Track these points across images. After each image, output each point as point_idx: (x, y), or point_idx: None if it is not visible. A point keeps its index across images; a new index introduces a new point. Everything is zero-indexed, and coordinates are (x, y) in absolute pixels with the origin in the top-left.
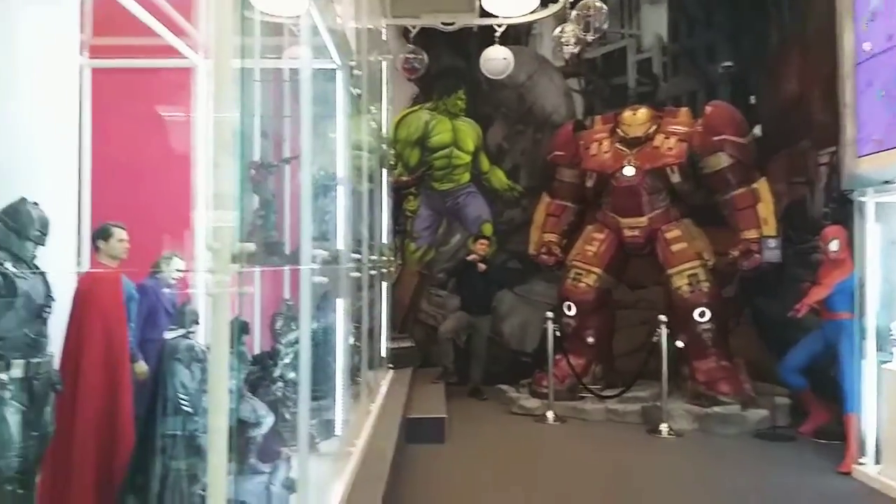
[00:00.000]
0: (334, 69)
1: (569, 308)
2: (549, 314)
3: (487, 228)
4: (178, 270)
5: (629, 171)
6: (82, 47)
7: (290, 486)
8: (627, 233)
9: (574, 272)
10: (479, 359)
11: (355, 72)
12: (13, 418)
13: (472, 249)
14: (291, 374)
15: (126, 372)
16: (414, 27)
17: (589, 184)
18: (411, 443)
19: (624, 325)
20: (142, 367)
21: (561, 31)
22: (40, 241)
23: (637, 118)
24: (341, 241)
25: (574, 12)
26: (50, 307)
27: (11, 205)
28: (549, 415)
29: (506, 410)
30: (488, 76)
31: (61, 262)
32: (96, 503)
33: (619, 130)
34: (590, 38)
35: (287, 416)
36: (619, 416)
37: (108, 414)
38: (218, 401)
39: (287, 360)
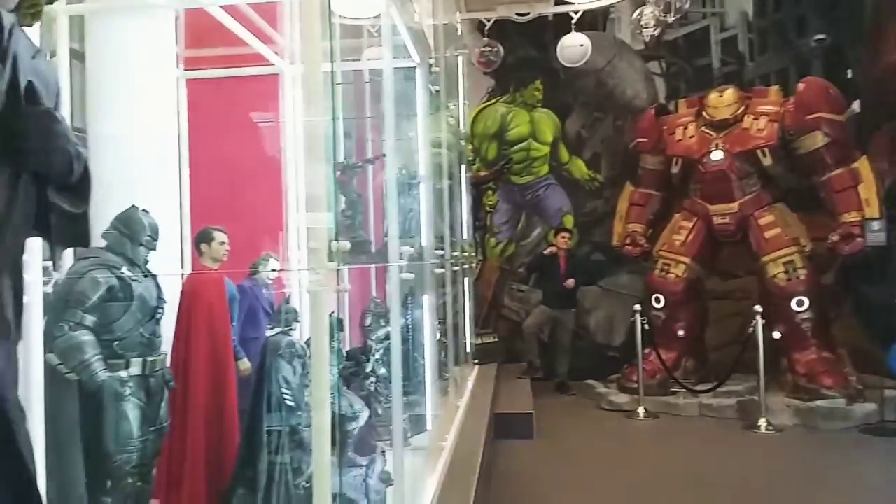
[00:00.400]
0: (413, 67)
1: (657, 300)
2: (637, 307)
3: (568, 220)
4: (273, 271)
5: (717, 155)
6: (178, 59)
7: (386, 480)
8: (717, 220)
9: (661, 263)
10: (564, 353)
11: (434, 69)
12: (133, 413)
13: (553, 243)
14: (382, 370)
15: (231, 369)
16: (488, 20)
17: (674, 170)
18: (499, 438)
19: (716, 316)
20: (245, 364)
21: (640, 14)
22: (151, 246)
23: (723, 100)
24: (425, 238)
25: None
26: (162, 308)
27: (124, 213)
28: (640, 410)
29: (594, 406)
30: (565, 64)
31: (166, 266)
32: (208, 494)
33: (704, 114)
34: (670, 19)
35: (380, 410)
36: (713, 412)
37: (215, 409)
38: (320, 395)
39: (378, 356)
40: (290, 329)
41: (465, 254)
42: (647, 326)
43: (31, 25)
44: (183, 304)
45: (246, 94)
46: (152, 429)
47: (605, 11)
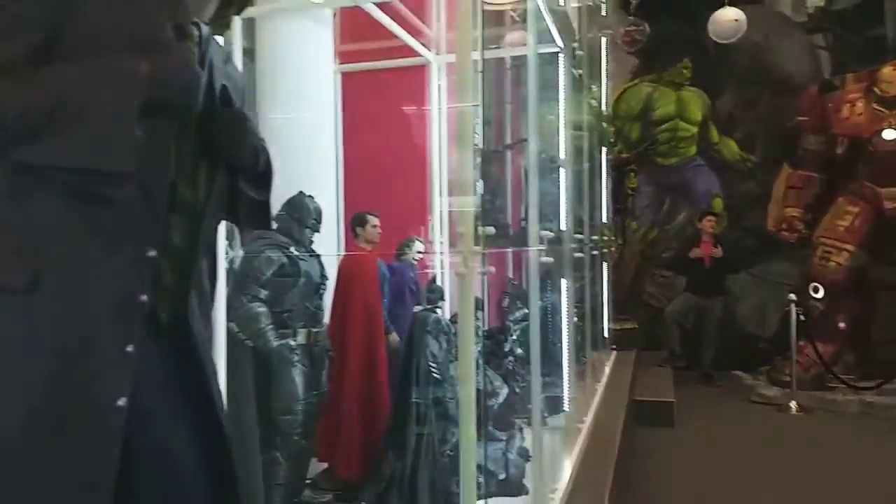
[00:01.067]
0: (556, 52)
1: (815, 290)
2: (792, 296)
3: (718, 204)
4: (419, 252)
5: (890, 134)
6: (334, 54)
7: (524, 455)
8: (888, 204)
9: (822, 250)
10: (709, 342)
11: (577, 52)
12: (299, 378)
13: (700, 227)
14: (520, 350)
15: (381, 343)
16: None
17: (839, 151)
18: (638, 425)
19: (885, 309)
20: (395, 338)
21: None
22: (316, 228)
23: None
24: (564, 222)
25: None
26: (325, 285)
27: (292, 198)
28: (792, 405)
29: (741, 398)
30: (717, 40)
31: (325, 246)
32: (361, 453)
33: (875, 89)
34: None
35: (517, 389)
36: (877, 411)
37: (368, 378)
38: (466, 371)
39: (515, 337)
40: (437, 307)
41: (605, 238)
42: (802, 317)
43: (222, 34)
44: (340, 282)
45: (396, 84)
46: (314, 393)
47: None
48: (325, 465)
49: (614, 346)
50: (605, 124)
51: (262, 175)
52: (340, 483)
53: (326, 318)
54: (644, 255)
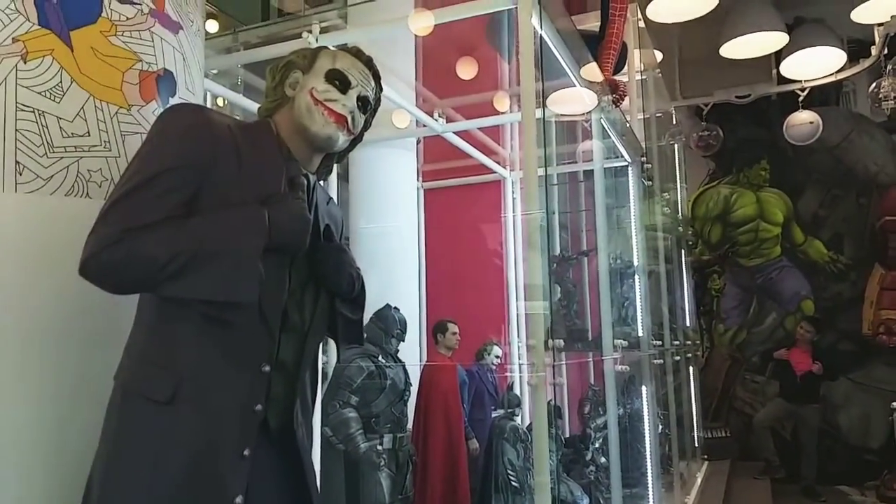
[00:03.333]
0: (625, 165)
1: None
2: (895, 404)
3: (808, 306)
4: (497, 357)
5: None
6: (418, 174)
7: None
8: None
9: None
10: (809, 454)
11: (646, 165)
12: (385, 482)
13: (796, 336)
14: (602, 459)
15: (462, 448)
16: (706, 105)
17: None
18: None
19: None
20: (474, 443)
21: (877, 87)
22: (401, 338)
23: None
24: (641, 328)
25: (890, 66)
26: (409, 391)
27: (380, 310)
28: None
29: None
30: (794, 143)
31: (409, 354)
32: None
33: None
34: None
35: (601, 500)
36: None
37: (450, 483)
38: (542, 479)
39: (597, 445)
40: (514, 414)
41: (688, 342)
42: None
43: (326, 180)
44: (422, 389)
45: (474, 199)
46: (400, 497)
47: (837, 85)
48: None
49: (706, 456)
50: (681, 227)
51: (357, 298)
52: None
53: (410, 425)
54: (733, 359)
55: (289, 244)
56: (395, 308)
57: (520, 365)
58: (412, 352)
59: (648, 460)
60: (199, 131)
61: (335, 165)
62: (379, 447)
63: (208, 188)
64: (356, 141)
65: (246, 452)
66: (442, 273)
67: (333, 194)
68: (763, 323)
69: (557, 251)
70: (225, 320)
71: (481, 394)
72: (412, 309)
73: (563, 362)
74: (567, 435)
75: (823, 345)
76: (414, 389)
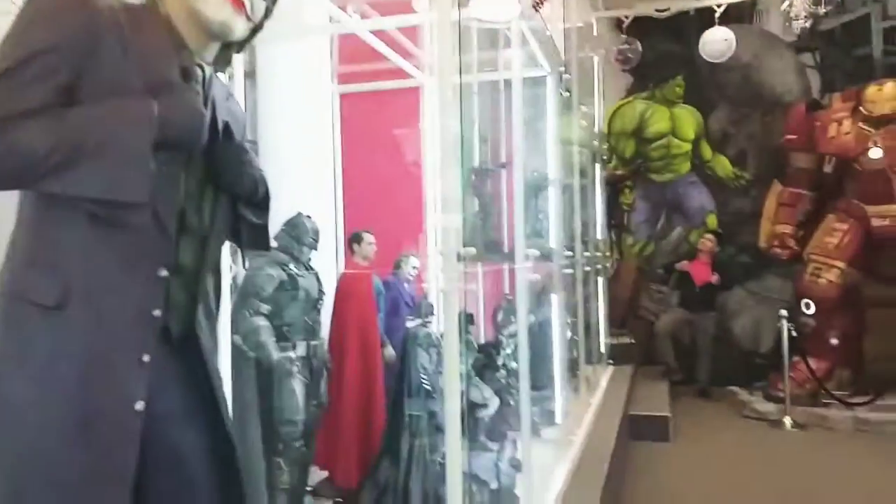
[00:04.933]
0: (544, 76)
1: (807, 306)
2: (783, 312)
3: (712, 220)
4: (414, 268)
5: (876, 153)
6: (333, 75)
7: (516, 465)
8: (876, 222)
9: (813, 267)
10: (704, 358)
11: (564, 76)
12: (299, 389)
13: (699, 246)
14: (513, 364)
15: (377, 356)
16: (626, 17)
17: (827, 169)
18: (634, 440)
19: (877, 325)
20: (390, 351)
21: (789, 6)
22: (314, 246)
23: (884, 94)
24: (554, 240)
25: None
26: (322, 300)
27: (292, 218)
28: (787, 420)
29: (736, 413)
30: (708, 60)
31: (324, 263)
32: (359, 462)
33: (861, 108)
34: (822, 10)
35: (511, 402)
36: (872, 427)
37: (365, 389)
38: (452, 384)
39: (509, 351)
40: (427, 321)
41: (598, 253)
42: (794, 333)
43: (224, 72)
44: (337, 298)
45: (392, 105)
46: (315, 403)
47: (751, 3)
48: (326, 473)
49: (611, 361)
50: (597, 141)
51: (261, 202)
52: (339, 491)
53: (325, 333)
54: (640, 270)
55: (181, 140)
56: (308, 216)
57: (435, 275)
58: (328, 263)
59: (556, 364)
60: (74, 10)
61: (236, 57)
62: (291, 355)
63: (89, 77)
64: (257, 29)
65: (145, 359)
66: (359, 182)
67: (240, 95)
68: (669, 237)
69: (476, 163)
70: (114, 221)
71: (398, 304)
72: (328, 218)
73: (479, 271)
74: (481, 342)
75: (723, 257)
76: (330, 298)
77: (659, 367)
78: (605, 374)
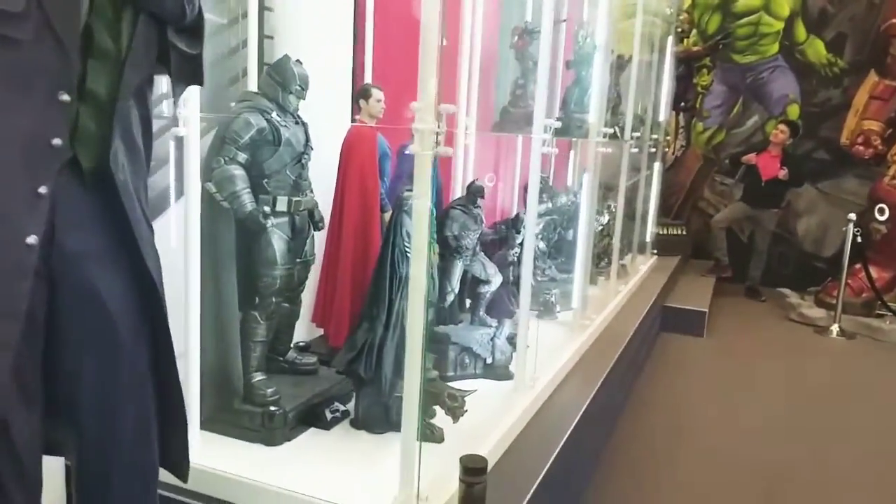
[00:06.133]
0: None
1: (881, 211)
2: (852, 215)
3: (794, 110)
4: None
5: None
6: None
7: (513, 342)
8: None
9: (895, 169)
10: (759, 256)
11: None
12: (278, 244)
13: (770, 137)
14: (541, 245)
15: (375, 218)
16: None
17: None
18: (667, 331)
19: None
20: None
21: None
22: (301, 95)
23: None
24: (593, 113)
25: None
26: (308, 154)
27: (277, 61)
28: (834, 328)
29: (783, 316)
30: None
31: (340, 117)
32: (350, 324)
33: None
34: None
35: (533, 282)
36: None
37: (362, 252)
38: (418, 245)
39: (535, 231)
40: None
41: (655, 136)
42: (860, 239)
43: None
44: (342, 154)
45: None
46: (298, 261)
47: None
48: (322, 331)
49: (655, 252)
50: (672, 10)
51: (192, 28)
52: (330, 349)
53: (322, 189)
54: (706, 159)
55: None
56: (298, 61)
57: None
58: (343, 118)
59: (579, 248)
60: None
61: None
62: (266, 209)
63: None
64: None
65: (42, 191)
66: (392, 38)
67: None
68: (744, 125)
69: (526, 18)
70: (2, 37)
71: (410, 170)
72: (343, 69)
73: (473, 133)
74: (513, 216)
75: (799, 152)
76: (326, 153)
77: (708, 262)
78: (646, 264)
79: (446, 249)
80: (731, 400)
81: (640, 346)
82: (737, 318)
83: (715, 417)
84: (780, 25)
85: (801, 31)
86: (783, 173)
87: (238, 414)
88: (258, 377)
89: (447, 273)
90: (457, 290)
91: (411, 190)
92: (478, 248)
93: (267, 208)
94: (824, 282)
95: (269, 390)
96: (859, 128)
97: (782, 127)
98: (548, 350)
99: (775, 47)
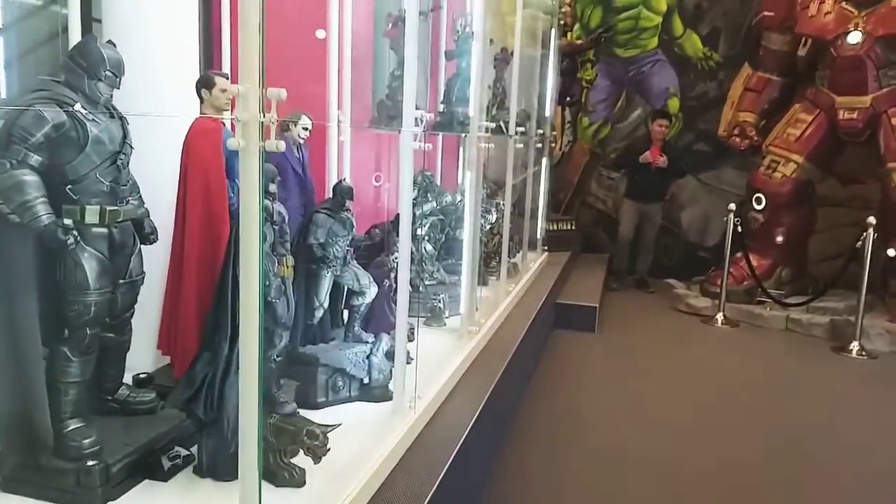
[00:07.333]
0: None
1: (758, 201)
2: (732, 206)
3: (674, 104)
4: (305, 129)
5: (854, 37)
6: None
7: (392, 359)
8: (844, 115)
9: (770, 159)
10: (647, 249)
11: None
12: (89, 264)
13: (650, 131)
14: (428, 247)
15: (226, 226)
16: None
17: (801, 52)
18: (560, 328)
19: (827, 224)
20: None
21: None
22: (113, 82)
23: None
24: (473, 106)
25: None
26: (126, 154)
27: (80, 42)
28: (719, 317)
29: (670, 307)
30: None
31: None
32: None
33: None
34: None
35: (421, 287)
36: (801, 328)
37: (209, 267)
38: (249, 253)
39: (421, 232)
40: (268, 192)
41: (541, 131)
42: (740, 228)
43: None
44: (183, 152)
45: None
46: (122, 282)
47: None
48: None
49: (546, 248)
50: (555, 2)
51: None
52: (177, 382)
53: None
54: (593, 154)
55: None
56: (109, 42)
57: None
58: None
59: (464, 249)
60: None
61: None
62: (67, 221)
63: None
64: None
65: None
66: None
67: None
68: (627, 118)
69: (396, 8)
70: None
71: (284, 171)
72: (190, 62)
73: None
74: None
75: (680, 144)
76: (146, 151)
77: (600, 255)
78: (536, 262)
79: (312, 259)
80: (622, 393)
81: (532, 349)
82: (627, 311)
83: (608, 412)
84: (658, 20)
85: (678, 25)
86: (662, 160)
87: (46, 472)
88: (72, 425)
89: (314, 286)
90: (326, 305)
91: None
92: (349, 257)
93: (68, 221)
94: (708, 271)
95: (86, 440)
96: (735, 119)
97: (661, 121)
98: (433, 362)
99: (655, 41)
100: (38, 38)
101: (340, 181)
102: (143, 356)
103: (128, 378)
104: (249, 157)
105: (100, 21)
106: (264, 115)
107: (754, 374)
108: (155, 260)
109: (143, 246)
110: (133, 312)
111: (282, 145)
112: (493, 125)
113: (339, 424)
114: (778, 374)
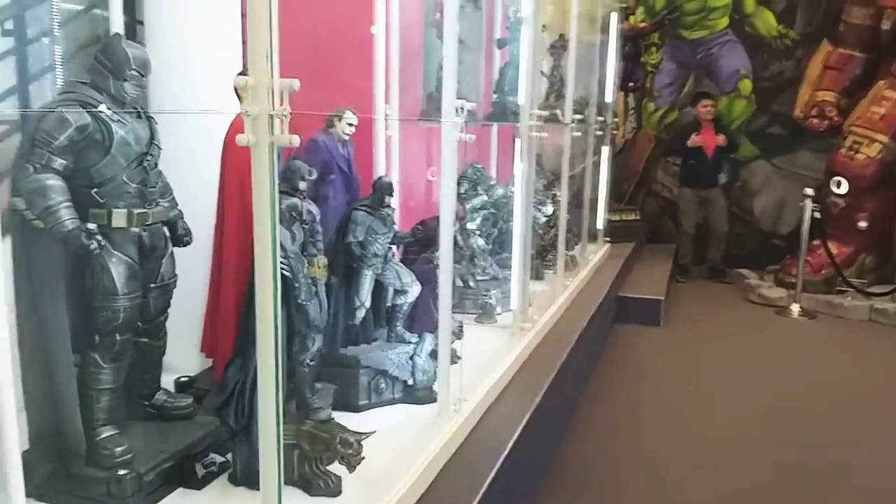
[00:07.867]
0: None
1: (838, 185)
2: (809, 190)
3: (746, 86)
4: (350, 125)
5: None
6: None
7: (436, 357)
8: None
9: (852, 140)
10: (718, 237)
11: None
12: (117, 269)
13: (696, 113)
14: (480, 241)
15: None
16: None
17: (885, 26)
18: (622, 323)
19: None
20: None
21: None
22: (140, 82)
23: None
24: (522, 94)
25: None
26: (153, 155)
27: (105, 41)
28: (794, 308)
29: (742, 298)
30: None
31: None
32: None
33: None
34: None
35: (471, 283)
36: (887, 319)
37: (246, 269)
38: (262, 255)
39: (472, 226)
40: (298, 190)
41: (601, 118)
42: (818, 214)
43: None
44: (222, 152)
45: None
46: (153, 286)
47: None
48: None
49: (608, 239)
50: None
51: None
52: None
53: (186, 197)
54: (658, 140)
55: None
56: (137, 43)
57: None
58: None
59: (515, 243)
60: None
61: None
62: (90, 226)
63: None
64: None
65: None
66: (301, 25)
67: None
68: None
69: None
70: None
71: (329, 168)
72: (233, 58)
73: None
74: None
75: (753, 128)
76: (171, 152)
77: (667, 245)
78: (597, 254)
79: (351, 258)
80: (686, 392)
81: (591, 345)
82: (695, 303)
83: (671, 412)
84: None
85: (749, 2)
86: (721, 139)
87: (78, 480)
88: (105, 433)
89: (354, 285)
90: (367, 304)
91: (292, 194)
92: (391, 255)
93: (92, 225)
94: (783, 260)
95: (118, 448)
96: (813, 99)
97: (705, 102)
98: (483, 362)
99: (725, 21)
100: (80, 43)
101: (380, 177)
102: (188, 359)
103: (171, 381)
104: (260, 154)
105: (142, 23)
106: (274, 108)
107: (835, 370)
108: (200, 261)
109: (182, 248)
110: (167, 316)
111: (295, 140)
112: (545, 113)
113: (374, 432)
114: (861, 369)
